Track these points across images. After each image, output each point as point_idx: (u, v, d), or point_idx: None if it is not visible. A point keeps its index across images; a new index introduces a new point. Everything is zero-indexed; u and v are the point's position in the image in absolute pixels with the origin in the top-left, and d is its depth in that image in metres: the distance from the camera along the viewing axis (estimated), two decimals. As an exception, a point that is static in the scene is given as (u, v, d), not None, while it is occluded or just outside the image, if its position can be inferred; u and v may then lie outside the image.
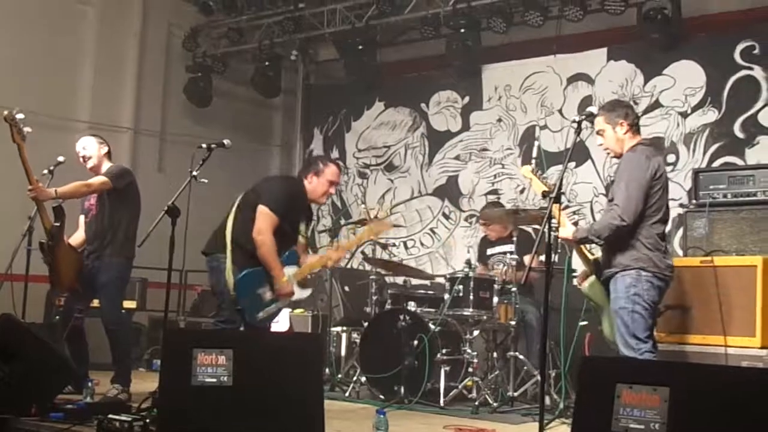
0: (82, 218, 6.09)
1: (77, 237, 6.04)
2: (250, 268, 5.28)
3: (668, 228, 4.84)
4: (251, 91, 10.47)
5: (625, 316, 4.58)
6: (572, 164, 8.17)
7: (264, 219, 5.31)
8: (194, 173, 5.10)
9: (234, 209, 5.48)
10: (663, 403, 3.13)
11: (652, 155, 4.71)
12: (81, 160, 5.99)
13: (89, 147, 5.99)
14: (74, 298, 5.89)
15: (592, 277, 4.88)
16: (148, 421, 4.30)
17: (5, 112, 5.41)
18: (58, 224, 5.70)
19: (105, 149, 6.03)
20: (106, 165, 5.98)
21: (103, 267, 5.80)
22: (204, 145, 5.22)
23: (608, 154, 4.76)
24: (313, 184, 5.59)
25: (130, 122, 9.96)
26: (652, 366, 3.86)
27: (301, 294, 5.45)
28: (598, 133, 4.86)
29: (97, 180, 5.81)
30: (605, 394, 3.25)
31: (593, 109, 4.62)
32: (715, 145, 7.97)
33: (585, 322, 6.26)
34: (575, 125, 4.45)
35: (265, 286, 5.30)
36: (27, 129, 5.48)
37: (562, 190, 4.28)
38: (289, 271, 5.34)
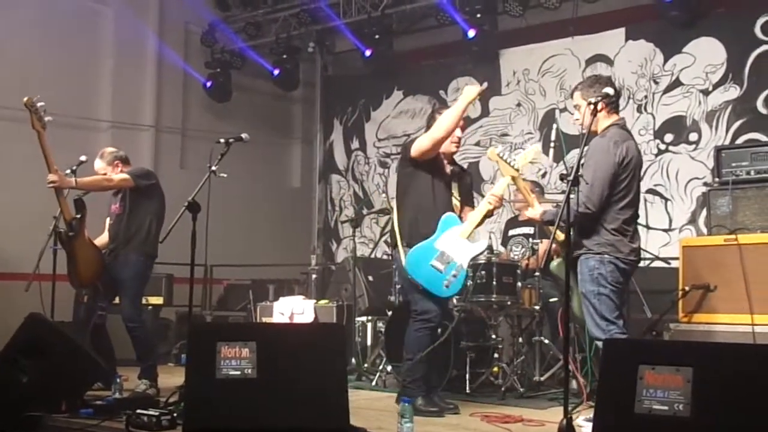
0: (107, 222, 6.16)
1: (101, 239, 6.11)
2: (413, 247, 5.22)
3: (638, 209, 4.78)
4: (270, 85, 10.51)
5: (592, 298, 4.57)
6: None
7: (416, 143, 5.28)
8: (213, 168, 5.11)
9: None
10: (686, 383, 3.12)
11: (621, 140, 4.61)
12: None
13: (105, 169, 6.04)
14: (96, 295, 5.96)
15: (560, 259, 4.87)
16: (175, 415, 4.35)
17: (25, 98, 5.49)
18: (78, 216, 5.77)
19: (119, 168, 6.04)
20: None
21: (123, 264, 5.87)
22: (222, 140, 5.23)
23: (582, 129, 4.68)
24: None
25: (151, 120, 10.05)
26: (674, 346, 3.84)
27: (477, 248, 5.32)
28: (574, 107, 4.84)
29: (119, 176, 5.87)
30: (628, 376, 3.24)
31: (609, 90, 4.55)
32: (738, 122, 7.89)
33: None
34: (591, 107, 4.41)
35: (435, 256, 5.18)
36: (48, 118, 5.55)
37: (577, 173, 4.20)
38: (452, 232, 5.20)
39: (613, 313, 4.53)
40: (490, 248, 6.64)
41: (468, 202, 5.59)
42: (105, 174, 6.00)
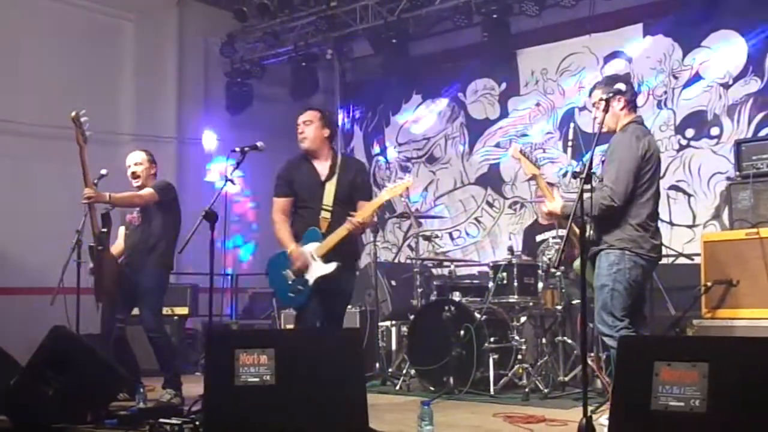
0: (121, 230, 6.23)
1: (116, 247, 6.19)
2: (276, 253, 5.45)
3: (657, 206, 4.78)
4: (290, 93, 10.54)
5: (605, 293, 4.58)
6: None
7: (272, 207, 5.55)
8: (229, 177, 5.15)
9: None
10: (702, 378, 3.11)
11: (643, 135, 4.68)
12: (129, 173, 6.12)
13: (140, 163, 6.11)
14: (114, 307, 6.03)
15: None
16: (197, 423, 4.38)
17: (73, 113, 5.60)
18: (105, 230, 5.85)
19: (153, 170, 6.16)
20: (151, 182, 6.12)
21: (143, 276, 5.92)
22: (237, 149, 5.26)
23: (602, 128, 4.69)
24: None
25: (173, 131, 10.12)
26: (690, 342, 3.82)
27: (324, 270, 5.28)
28: (594, 105, 4.82)
29: (147, 192, 5.94)
30: (644, 373, 3.23)
31: (621, 86, 4.58)
32: (760, 115, 7.79)
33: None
34: (603, 103, 4.41)
35: (289, 266, 5.34)
36: (89, 132, 5.65)
37: (590, 171, 4.19)
38: (309, 247, 5.30)
39: (621, 311, 4.54)
40: (510, 250, 6.64)
41: (362, 194, 5.47)
42: (142, 167, 6.06)
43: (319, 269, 5.28)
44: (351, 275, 5.49)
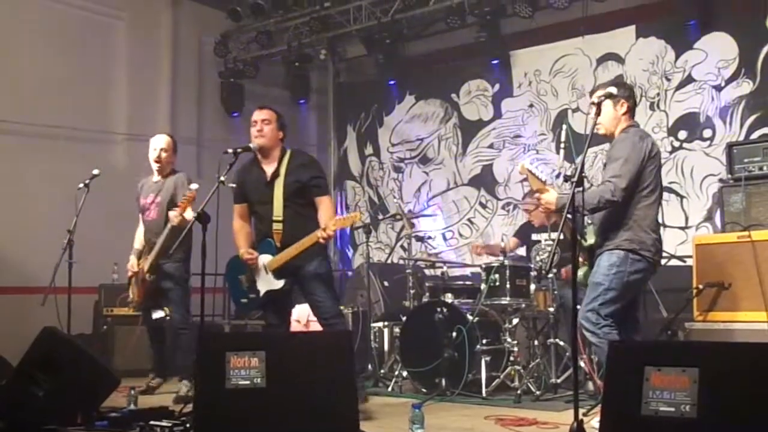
0: (140, 230, 6.46)
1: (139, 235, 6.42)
2: (235, 255, 5.52)
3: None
4: (284, 93, 10.54)
5: (598, 291, 4.57)
6: (602, 146, 8.06)
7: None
8: (222, 178, 5.13)
9: None
10: (693, 384, 3.10)
11: (645, 135, 4.74)
12: (154, 156, 6.25)
13: (166, 150, 6.34)
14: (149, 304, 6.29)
15: (586, 267, 4.83)
16: (188, 426, 4.37)
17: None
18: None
19: (173, 158, 6.40)
20: (170, 170, 6.32)
21: (168, 274, 6.08)
22: (230, 150, 5.24)
23: (598, 130, 4.69)
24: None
25: (166, 131, 10.04)
26: (680, 346, 3.82)
27: (273, 285, 5.34)
28: (592, 104, 4.78)
29: (189, 216, 5.89)
30: (634, 378, 3.23)
31: (613, 89, 4.57)
32: (752, 117, 7.80)
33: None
34: (594, 107, 4.41)
35: (244, 272, 5.43)
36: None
37: (574, 174, 4.18)
38: (263, 259, 5.34)
39: (608, 311, 4.53)
40: (503, 252, 6.63)
41: (317, 191, 5.41)
42: (166, 153, 6.31)
43: (266, 283, 5.35)
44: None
